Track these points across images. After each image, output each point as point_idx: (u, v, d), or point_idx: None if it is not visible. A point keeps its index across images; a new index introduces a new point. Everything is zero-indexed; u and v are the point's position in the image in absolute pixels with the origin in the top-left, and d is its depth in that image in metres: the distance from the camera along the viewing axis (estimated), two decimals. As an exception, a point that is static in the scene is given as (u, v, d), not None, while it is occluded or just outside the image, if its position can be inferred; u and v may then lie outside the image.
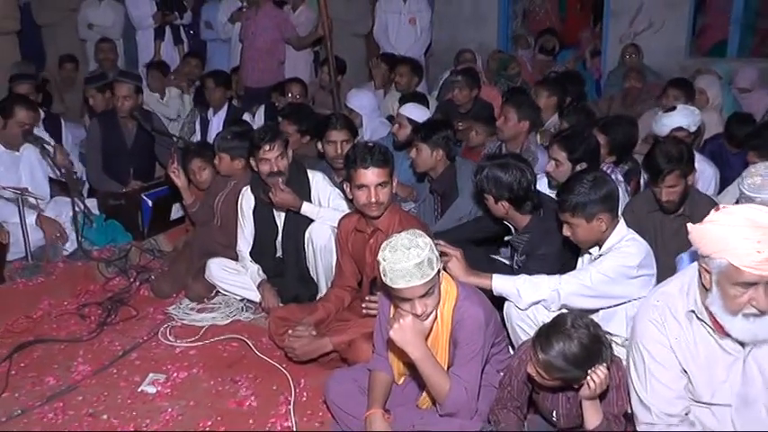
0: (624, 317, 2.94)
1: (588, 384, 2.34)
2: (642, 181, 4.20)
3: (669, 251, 3.28)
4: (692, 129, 4.30)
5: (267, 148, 3.71)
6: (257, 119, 5.98)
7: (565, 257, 3.26)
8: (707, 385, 2.28)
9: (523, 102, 4.61)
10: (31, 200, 4.38)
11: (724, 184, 4.27)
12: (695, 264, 2.24)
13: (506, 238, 3.54)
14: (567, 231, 2.97)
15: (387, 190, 3.18)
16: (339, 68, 6.27)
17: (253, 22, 6.70)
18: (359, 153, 3.17)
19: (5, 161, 4.58)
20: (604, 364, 2.35)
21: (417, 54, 7.44)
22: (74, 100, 7.18)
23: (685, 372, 2.30)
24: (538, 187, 3.96)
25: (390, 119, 5.73)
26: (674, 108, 4.44)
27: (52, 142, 4.68)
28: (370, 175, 3.13)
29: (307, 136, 4.96)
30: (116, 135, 5.25)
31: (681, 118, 4.31)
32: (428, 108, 5.16)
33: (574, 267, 3.23)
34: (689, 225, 2.19)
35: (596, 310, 2.94)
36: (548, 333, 2.36)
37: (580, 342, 2.31)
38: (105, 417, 3.09)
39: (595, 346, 2.33)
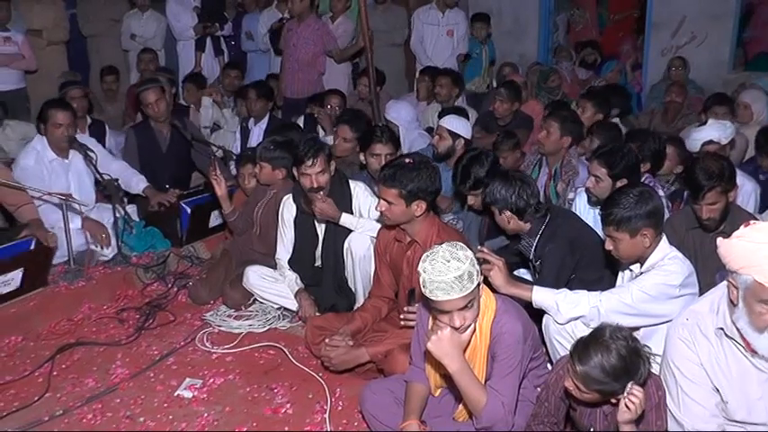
0: (665, 335, 2.89)
1: (628, 406, 2.28)
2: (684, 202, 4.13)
3: (709, 269, 3.20)
4: (723, 141, 4.25)
5: (309, 163, 3.69)
6: (297, 129, 6.00)
7: (575, 256, 3.28)
8: (741, 402, 2.25)
9: (567, 116, 4.55)
10: (75, 206, 4.46)
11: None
12: (725, 282, 2.21)
13: (515, 247, 3.55)
14: (609, 245, 2.93)
15: (393, 208, 3.19)
16: (378, 79, 6.28)
17: (294, 33, 6.70)
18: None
19: (56, 168, 4.67)
20: (640, 380, 2.30)
21: (454, 66, 7.42)
22: (115, 110, 7.31)
23: (717, 390, 2.26)
24: (578, 202, 3.99)
25: (429, 130, 5.73)
26: (705, 123, 4.43)
27: (96, 151, 4.75)
28: (381, 190, 3.22)
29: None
30: (151, 141, 5.31)
31: (711, 131, 4.28)
32: (468, 121, 5.15)
33: (597, 268, 3.28)
34: (718, 239, 2.17)
35: (637, 328, 2.89)
36: (586, 344, 2.33)
37: (618, 353, 2.27)
38: (142, 419, 3.15)
39: (634, 359, 2.29)
